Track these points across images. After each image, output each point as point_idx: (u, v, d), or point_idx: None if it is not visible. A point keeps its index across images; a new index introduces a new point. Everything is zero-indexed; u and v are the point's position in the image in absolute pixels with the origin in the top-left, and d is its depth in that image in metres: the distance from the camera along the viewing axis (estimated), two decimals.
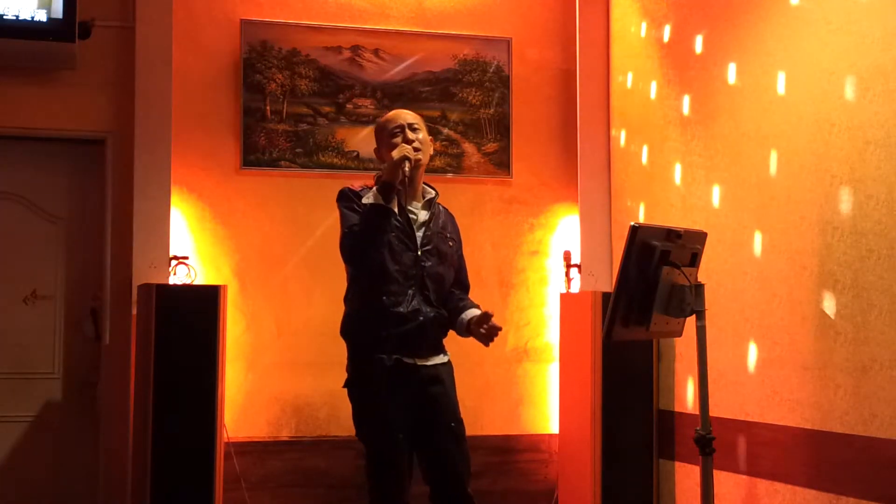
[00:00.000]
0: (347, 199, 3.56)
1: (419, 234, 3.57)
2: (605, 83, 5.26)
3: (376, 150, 3.73)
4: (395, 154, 3.47)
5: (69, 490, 4.71)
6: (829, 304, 3.67)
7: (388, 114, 3.74)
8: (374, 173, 3.72)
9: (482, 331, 3.53)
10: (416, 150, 3.53)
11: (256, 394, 4.86)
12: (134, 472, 4.47)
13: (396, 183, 3.46)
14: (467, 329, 3.59)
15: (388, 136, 3.62)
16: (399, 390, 3.45)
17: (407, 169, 3.48)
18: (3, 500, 4.61)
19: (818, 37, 3.77)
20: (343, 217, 3.54)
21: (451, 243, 3.67)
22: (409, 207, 3.56)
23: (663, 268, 3.07)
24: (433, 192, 3.69)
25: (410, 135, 3.58)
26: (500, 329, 3.54)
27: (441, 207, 3.72)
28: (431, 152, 3.71)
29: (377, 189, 3.47)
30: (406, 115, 3.66)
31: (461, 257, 3.76)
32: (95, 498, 4.71)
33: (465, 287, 3.76)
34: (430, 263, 3.56)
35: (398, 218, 3.51)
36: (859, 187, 3.56)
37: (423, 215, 3.61)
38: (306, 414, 4.90)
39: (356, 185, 3.62)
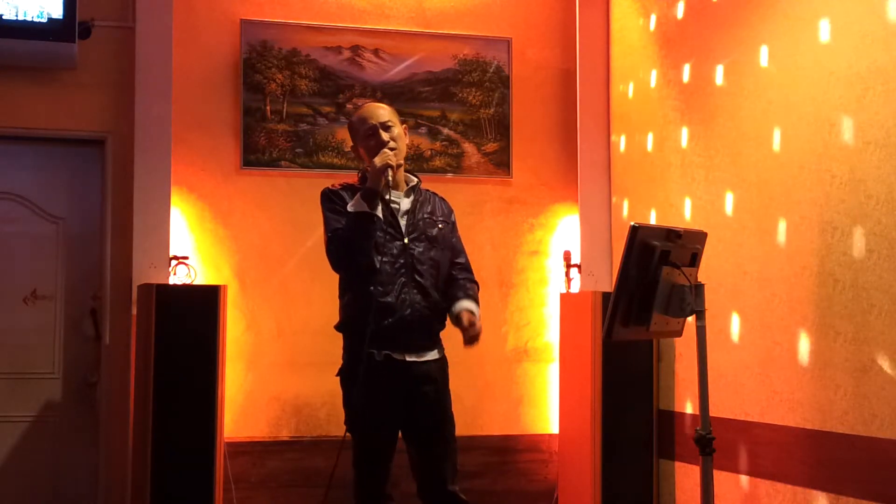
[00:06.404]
0: (329, 200, 3.57)
1: (403, 221, 3.57)
2: (605, 83, 5.26)
3: (353, 148, 3.75)
4: (378, 162, 3.47)
5: (69, 490, 4.71)
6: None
7: (360, 111, 3.73)
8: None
9: (463, 338, 3.56)
10: (391, 149, 3.54)
11: (256, 394, 4.86)
12: (134, 472, 4.47)
13: (381, 189, 3.47)
14: (456, 324, 3.59)
15: (362, 136, 3.63)
16: (389, 387, 3.46)
17: (391, 176, 3.50)
18: (3, 500, 4.61)
19: (818, 37, 3.77)
20: (326, 221, 3.55)
21: (440, 226, 3.66)
22: (391, 197, 3.57)
23: (663, 268, 3.07)
24: (415, 179, 3.70)
25: (384, 135, 3.58)
26: (476, 336, 3.53)
27: (429, 193, 3.72)
28: (408, 141, 3.72)
29: (361, 196, 3.47)
30: (378, 112, 3.64)
31: (457, 239, 3.75)
32: (95, 498, 4.71)
33: (465, 267, 3.73)
34: (419, 249, 3.56)
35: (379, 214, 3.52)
36: (859, 187, 3.55)
37: (405, 203, 3.61)
38: (306, 414, 4.90)
39: (336, 184, 3.63)
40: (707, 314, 3.11)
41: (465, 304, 3.59)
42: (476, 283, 3.74)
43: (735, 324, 4.20)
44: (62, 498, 4.70)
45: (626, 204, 5.11)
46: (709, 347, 3.12)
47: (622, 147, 5.15)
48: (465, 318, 3.53)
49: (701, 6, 4.53)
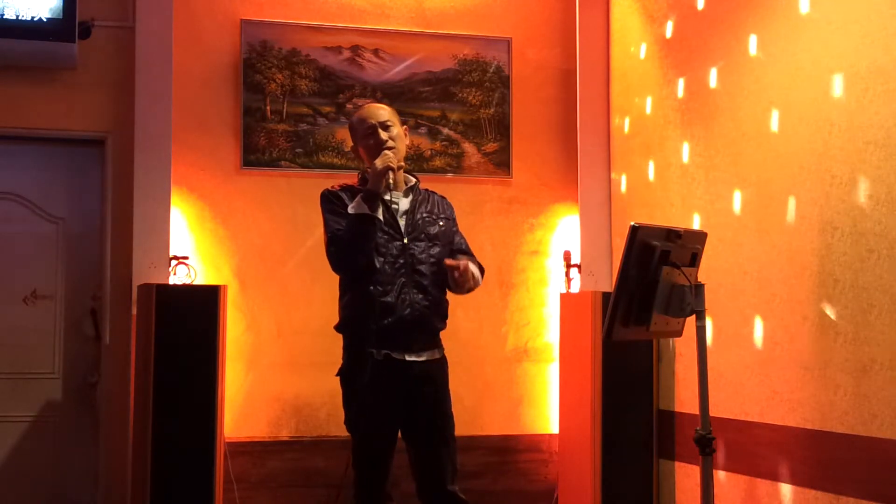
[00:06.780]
0: (328, 201, 3.58)
1: (402, 221, 3.57)
2: (605, 83, 5.26)
3: (353, 148, 3.76)
4: (379, 164, 3.48)
5: (69, 490, 4.71)
6: (830, 309, 3.68)
7: (360, 111, 3.75)
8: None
9: (456, 278, 3.51)
10: (390, 148, 3.56)
11: (256, 394, 4.86)
12: (134, 472, 4.47)
13: (381, 191, 3.48)
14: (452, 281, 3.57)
15: (361, 136, 3.65)
16: (388, 386, 3.46)
17: (391, 178, 3.50)
18: (3, 500, 4.61)
19: (818, 37, 3.77)
20: (326, 223, 3.56)
21: (441, 223, 3.66)
22: (391, 197, 3.57)
23: (663, 268, 3.07)
24: (413, 179, 3.71)
25: (383, 134, 3.59)
26: (461, 270, 3.48)
27: (428, 192, 3.73)
28: (408, 142, 3.73)
29: (362, 198, 3.48)
30: (377, 113, 3.66)
31: (458, 233, 3.75)
32: (95, 498, 4.71)
33: (466, 252, 3.70)
34: (419, 249, 3.56)
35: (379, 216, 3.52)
36: (859, 188, 3.56)
37: (404, 203, 3.62)
38: (306, 414, 4.90)
39: (335, 185, 3.64)
40: (707, 314, 3.11)
41: (458, 257, 3.57)
42: (479, 263, 3.70)
43: (735, 324, 4.19)
44: (62, 498, 4.71)
45: (625, 204, 5.11)
46: (709, 347, 3.12)
47: (622, 147, 5.15)
48: (447, 261, 3.52)
49: (701, 7, 4.53)
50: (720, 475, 4.17)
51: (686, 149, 4.59)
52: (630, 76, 5.09)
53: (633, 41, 5.06)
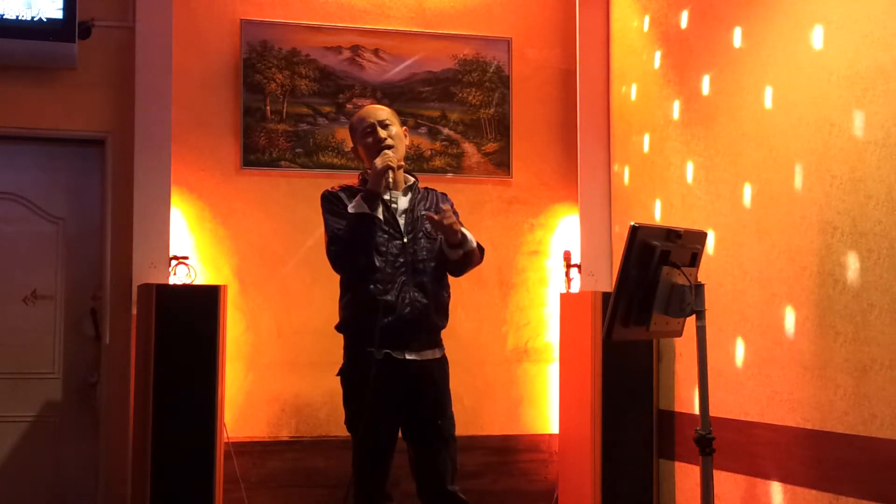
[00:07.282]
0: (328, 202, 3.59)
1: (401, 220, 3.58)
2: (605, 83, 5.26)
3: (353, 148, 3.78)
4: (379, 163, 3.48)
5: (69, 490, 4.71)
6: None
7: (360, 112, 3.77)
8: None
9: (444, 227, 3.47)
10: (389, 146, 3.56)
11: (256, 394, 4.86)
12: (134, 472, 4.47)
13: (381, 191, 3.48)
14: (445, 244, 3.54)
15: (360, 135, 3.66)
16: (388, 385, 3.46)
17: (391, 178, 3.51)
18: (3, 500, 4.61)
19: (818, 37, 3.77)
20: (326, 223, 3.57)
21: None
22: (390, 197, 3.58)
23: (663, 268, 3.07)
24: (412, 178, 3.71)
25: (382, 132, 3.61)
26: (444, 212, 3.45)
27: (427, 191, 3.73)
28: (408, 143, 3.74)
29: (362, 198, 3.48)
30: (376, 112, 3.69)
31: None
32: (95, 498, 4.71)
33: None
34: (419, 247, 3.56)
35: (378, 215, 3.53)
36: (859, 187, 3.55)
37: (403, 202, 3.62)
38: (306, 414, 4.90)
39: (335, 185, 3.65)
40: (707, 314, 3.11)
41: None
42: (479, 243, 3.66)
43: (735, 324, 4.19)
44: (62, 498, 4.71)
45: (625, 204, 5.11)
46: (709, 347, 3.12)
47: (622, 147, 5.15)
48: (427, 214, 3.51)
49: (701, 6, 4.53)
50: (720, 475, 4.17)
51: (686, 149, 4.59)
52: (630, 76, 5.09)
53: (633, 41, 5.06)
